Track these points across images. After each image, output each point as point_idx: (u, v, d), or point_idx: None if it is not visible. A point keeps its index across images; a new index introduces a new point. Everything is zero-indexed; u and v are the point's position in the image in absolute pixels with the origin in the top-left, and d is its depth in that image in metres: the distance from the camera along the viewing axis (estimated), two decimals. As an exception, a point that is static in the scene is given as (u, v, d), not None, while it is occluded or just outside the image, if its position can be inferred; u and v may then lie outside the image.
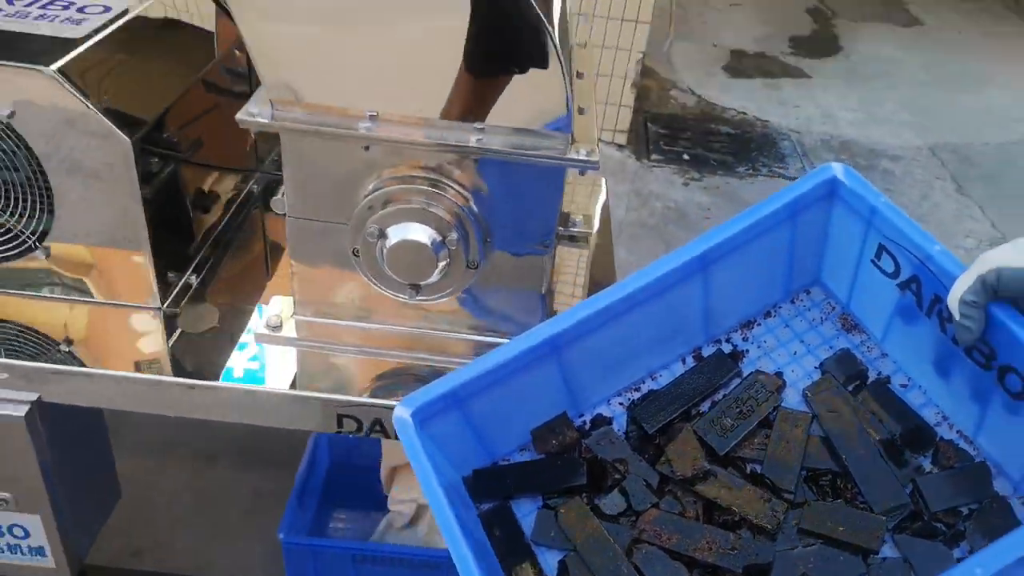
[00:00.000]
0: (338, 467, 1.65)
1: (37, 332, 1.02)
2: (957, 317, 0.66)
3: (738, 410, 0.79)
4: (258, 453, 1.75)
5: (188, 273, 1.11)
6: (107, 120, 0.91)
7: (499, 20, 0.80)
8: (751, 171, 3.13)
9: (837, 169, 0.77)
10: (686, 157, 3.17)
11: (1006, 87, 4.12)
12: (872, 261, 0.78)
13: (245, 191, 1.31)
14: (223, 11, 1.19)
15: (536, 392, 0.78)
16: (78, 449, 1.10)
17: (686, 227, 2.69)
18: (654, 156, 3.11)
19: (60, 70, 0.89)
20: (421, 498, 1.44)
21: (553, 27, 0.81)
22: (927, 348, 0.76)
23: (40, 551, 1.12)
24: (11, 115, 0.90)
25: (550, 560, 0.72)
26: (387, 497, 1.45)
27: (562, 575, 0.71)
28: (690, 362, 0.84)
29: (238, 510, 1.61)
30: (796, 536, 0.71)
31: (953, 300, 0.66)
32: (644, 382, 0.83)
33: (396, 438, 0.99)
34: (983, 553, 0.56)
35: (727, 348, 0.85)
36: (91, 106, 0.90)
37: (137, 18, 1.05)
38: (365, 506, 1.59)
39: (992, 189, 3.21)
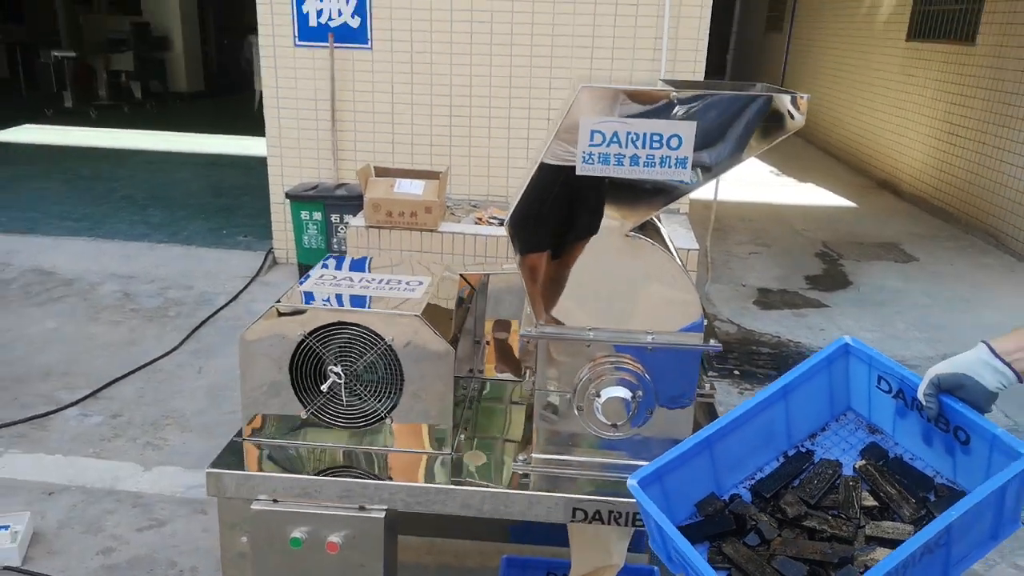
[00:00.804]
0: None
1: (382, 468, 1.68)
2: (924, 403, 1.32)
3: (816, 481, 1.42)
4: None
5: (459, 432, 1.79)
6: (441, 338, 1.65)
7: (656, 276, 1.57)
8: (794, 382, 3.81)
9: (847, 339, 1.47)
10: (736, 372, 3.88)
11: (997, 308, 4.89)
12: (876, 387, 1.45)
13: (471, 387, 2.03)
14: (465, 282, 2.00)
15: (697, 477, 1.41)
16: (388, 550, 1.71)
17: (749, 426, 3.31)
18: (710, 373, 3.81)
19: (420, 315, 1.66)
20: (596, 607, 1.96)
21: (692, 280, 1.57)
22: (916, 431, 1.40)
23: (367, 625, 1.68)
24: (392, 340, 1.65)
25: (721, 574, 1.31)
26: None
27: None
28: (781, 459, 1.48)
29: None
30: (864, 541, 1.31)
31: (920, 395, 1.32)
32: (755, 474, 1.47)
33: (608, 522, 1.60)
34: (954, 506, 1.17)
35: (803, 450, 1.49)
36: (436, 332, 1.65)
37: (438, 288, 1.85)
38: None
39: (1000, 387, 3.82)
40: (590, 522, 1.61)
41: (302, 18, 4.46)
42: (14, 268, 4.67)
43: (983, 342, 1.33)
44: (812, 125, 10.93)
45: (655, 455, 1.67)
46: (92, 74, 10.58)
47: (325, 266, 1.99)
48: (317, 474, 1.66)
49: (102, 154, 7.98)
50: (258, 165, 7.62)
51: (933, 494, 1.36)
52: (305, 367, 1.70)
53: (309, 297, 1.75)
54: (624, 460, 1.67)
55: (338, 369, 1.68)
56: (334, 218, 4.33)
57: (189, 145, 8.66)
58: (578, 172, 1.51)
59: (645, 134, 1.48)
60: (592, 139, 1.50)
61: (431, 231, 3.94)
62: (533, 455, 1.69)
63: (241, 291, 4.45)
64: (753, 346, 4.22)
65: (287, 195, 4.42)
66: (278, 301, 1.73)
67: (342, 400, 1.70)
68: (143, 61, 11.09)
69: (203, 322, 4.04)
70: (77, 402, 3.26)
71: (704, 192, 4.98)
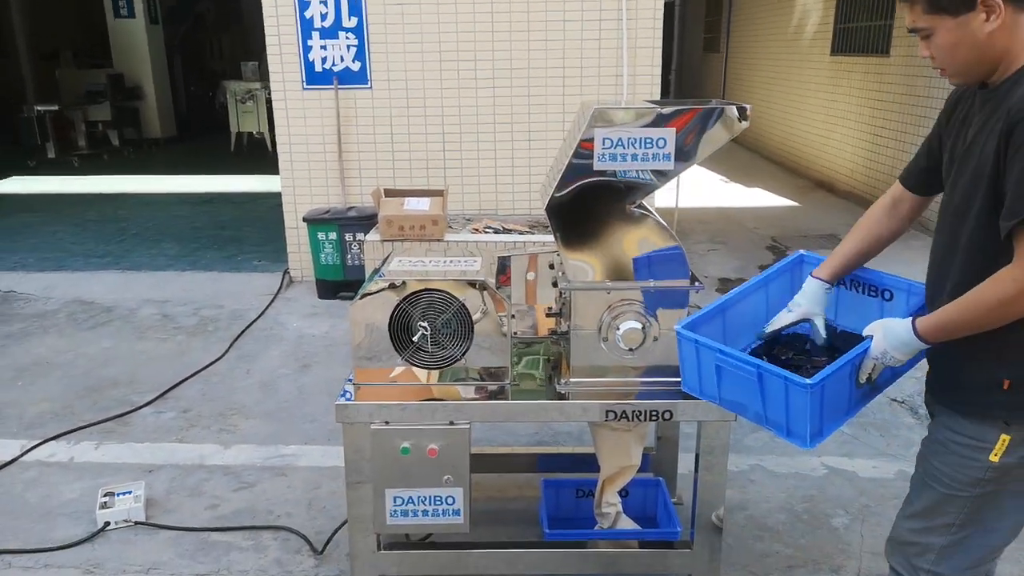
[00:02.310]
0: (551, 520, 2.76)
1: (462, 395, 2.28)
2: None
3: (793, 342, 2.02)
4: (501, 518, 2.87)
5: (513, 368, 2.39)
6: (500, 296, 2.26)
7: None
8: (755, 349, 4.49)
9: (802, 252, 2.10)
10: (708, 346, 4.55)
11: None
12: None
13: (511, 345, 2.63)
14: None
15: (714, 336, 1.95)
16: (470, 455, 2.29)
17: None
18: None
19: (483, 280, 2.27)
20: (619, 506, 2.57)
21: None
22: (852, 308, 1.99)
23: (457, 512, 2.26)
24: (465, 300, 2.26)
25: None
26: (598, 508, 2.56)
27: None
28: (760, 341, 2.09)
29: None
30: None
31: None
32: (745, 348, 2.06)
33: (631, 420, 2.22)
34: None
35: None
36: (495, 293, 2.26)
37: (488, 265, 2.46)
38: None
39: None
40: (619, 419, 2.23)
41: (308, 65, 5.07)
42: (56, 300, 5.13)
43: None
44: (754, 135, 11.84)
45: (659, 376, 2.30)
46: (71, 125, 10.97)
47: (396, 255, 2.59)
48: (418, 401, 2.24)
49: (99, 199, 8.41)
50: (250, 200, 8.16)
51: None
52: (399, 325, 2.29)
53: (388, 275, 2.34)
54: (637, 378, 2.29)
55: (424, 324, 2.28)
56: (347, 236, 4.92)
57: (177, 186, 9.13)
58: (595, 168, 2.15)
59: (640, 138, 2.13)
60: (604, 144, 2.14)
61: (438, 240, 4.55)
62: (571, 379, 2.31)
63: (268, 307, 4.99)
64: (719, 324, 4.91)
65: (304, 219, 4.99)
66: (375, 279, 2.32)
67: (428, 348, 2.30)
68: (119, 110, 11.52)
69: (242, 332, 4.57)
70: (150, 403, 3.77)
71: (666, 199, 5.71)
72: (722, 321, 1.99)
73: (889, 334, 1.67)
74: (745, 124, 2.14)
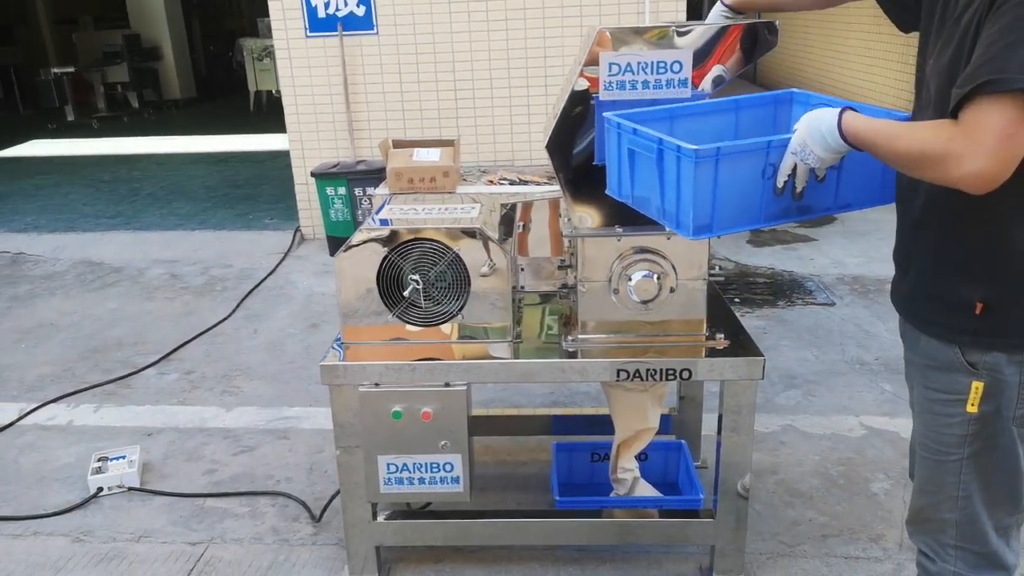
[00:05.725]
0: (563, 487, 2.57)
1: (459, 354, 2.08)
2: None
3: None
4: (511, 484, 2.69)
5: (516, 325, 2.19)
6: (498, 245, 2.05)
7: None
8: (789, 303, 4.22)
9: (794, 90, 1.79)
10: (737, 300, 4.29)
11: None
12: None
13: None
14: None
15: None
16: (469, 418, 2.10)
17: (751, 339, 3.72)
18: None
19: (478, 231, 2.05)
20: (636, 471, 2.37)
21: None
22: None
23: (456, 480, 2.08)
24: (459, 250, 2.04)
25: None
26: (614, 473, 2.37)
27: None
28: None
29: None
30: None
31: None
32: None
33: (646, 379, 1.99)
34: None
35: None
36: (494, 241, 2.04)
37: (488, 212, 2.24)
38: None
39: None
40: (632, 379, 2.01)
41: (311, 11, 4.82)
42: (65, 261, 5.04)
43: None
44: (790, 81, 11.34)
45: (677, 332, 2.07)
46: (90, 88, 10.88)
47: (388, 203, 2.38)
48: (410, 361, 2.05)
49: (115, 160, 8.31)
50: (268, 159, 8.00)
51: None
52: (389, 278, 2.09)
53: (386, 223, 2.14)
54: (651, 334, 2.07)
55: (416, 277, 2.07)
56: (357, 191, 4.72)
57: (195, 146, 9.00)
58: (601, 99, 1.90)
59: (652, 62, 1.87)
60: (610, 70, 1.88)
61: (450, 193, 4.32)
62: (579, 336, 2.09)
63: (278, 265, 4.84)
64: (750, 278, 4.63)
65: (312, 174, 4.80)
66: (366, 226, 2.12)
67: (420, 303, 2.10)
68: (137, 72, 11.39)
69: (250, 292, 4.43)
70: (153, 364, 3.65)
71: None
72: (670, 127, 1.66)
73: (812, 124, 1.40)
74: (775, 41, 1.87)
